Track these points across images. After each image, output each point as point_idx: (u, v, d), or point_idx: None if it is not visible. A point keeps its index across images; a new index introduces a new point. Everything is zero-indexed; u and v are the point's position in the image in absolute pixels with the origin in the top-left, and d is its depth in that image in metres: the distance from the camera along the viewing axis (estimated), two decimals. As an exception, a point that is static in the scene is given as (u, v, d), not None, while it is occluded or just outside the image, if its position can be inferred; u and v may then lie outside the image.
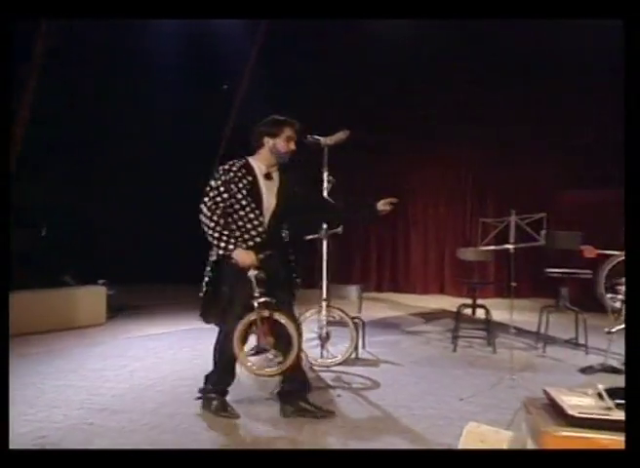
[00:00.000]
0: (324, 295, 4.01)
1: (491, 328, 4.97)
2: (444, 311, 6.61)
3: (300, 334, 3.12)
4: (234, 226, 3.13)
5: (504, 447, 2.08)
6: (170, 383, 3.88)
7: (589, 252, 4.10)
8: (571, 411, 1.99)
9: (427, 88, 7.71)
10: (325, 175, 3.96)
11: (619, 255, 3.91)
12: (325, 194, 3.92)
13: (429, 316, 6.51)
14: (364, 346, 4.73)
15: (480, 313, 5.15)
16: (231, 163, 3.19)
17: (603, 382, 2.72)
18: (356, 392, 3.76)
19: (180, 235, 8.21)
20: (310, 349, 4.43)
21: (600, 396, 2.07)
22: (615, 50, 6.70)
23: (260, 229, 3.14)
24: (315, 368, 4.01)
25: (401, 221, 8.23)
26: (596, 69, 6.91)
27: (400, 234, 8.24)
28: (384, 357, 4.60)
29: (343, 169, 4.09)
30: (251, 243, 3.11)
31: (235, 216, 3.13)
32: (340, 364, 4.18)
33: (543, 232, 5.12)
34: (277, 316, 3.00)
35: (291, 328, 3.01)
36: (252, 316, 2.99)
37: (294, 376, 3.22)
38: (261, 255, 3.05)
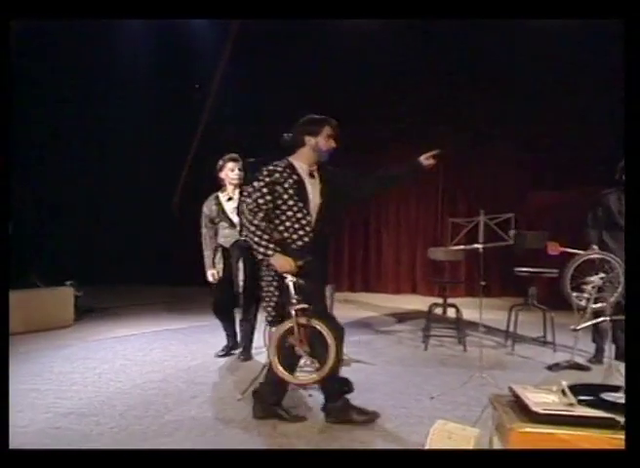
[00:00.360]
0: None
1: (461, 326, 5.03)
2: (416, 311, 6.66)
3: (339, 342, 3.02)
4: (282, 228, 3.08)
5: (471, 443, 2.10)
6: (139, 385, 3.83)
7: (554, 248, 4.16)
8: (535, 408, 2.02)
9: (398, 88, 7.77)
10: None
11: (584, 255, 3.99)
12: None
13: (401, 315, 6.55)
14: (336, 346, 4.73)
15: (451, 312, 5.21)
16: (275, 164, 3.15)
17: (569, 379, 2.79)
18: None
19: (150, 236, 8.15)
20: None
21: (563, 393, 2.11)
22: (584, 50, 6.90)
23: (307, 229, 3.09)
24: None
25: (373, 222, 8.27)
26: (565, 71, 7.05)
27: (372, 234, 8.28)
28: (357, 356, 4.60)
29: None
30: (300, 243, 3.07)
31: (283, 217, 3.08)
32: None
33: (513, 232, 5.21)
34: (314, 323, 2.91)
35: (328, 335, 2.89)
36: (289, 323, 2.93)
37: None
38: (300, 262, 2.99)
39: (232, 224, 4.35)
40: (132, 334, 5.41)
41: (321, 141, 3.19)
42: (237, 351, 4.55)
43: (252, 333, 4.46)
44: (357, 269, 8.29)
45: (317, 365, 2.98)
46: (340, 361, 3.12)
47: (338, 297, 7.04)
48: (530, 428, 1.99)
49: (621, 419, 1.99)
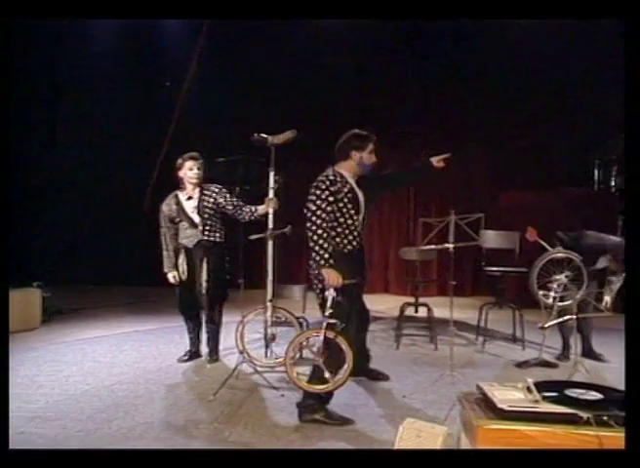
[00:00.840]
0: (269, 296, 3.98)
1: (433, 325, 5.08)
2: (388, 310, 6.69)
3: (354, 355, 3.10)
4: (334, 233, 3.27)
5: (440, 441, 2.12)
6: (108, 387, 3.77)
7: (532, 234, 4.23)
8: (501, 405, 2.05)
9: (369, 89, 7.80)
10: (272, 174, 3.93)
11: (548, 254, 4.06)
12: (271, 193, 3.89)
13: (374, 315, 6.56)
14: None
15: (423, 311, 5.25)
16: (326, 174, 3.33)
17: (538, 376, 2.84)
18: (300, 391, 3.75)
19: (120, 236, 8.02)
20: (254, 350, 4.41)
21: (529, 390, 2.14)
22: (556, 51, 7.03)
23: (355, 233, 3.34)
24: (259, 368, 3.98)
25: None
26: (536, 71, 7.17)
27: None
28: (329, 356, 4.61)
29: (289, 168, 4.07)
30: (350, 247, 3.32)
31: (336, 224, 3.28)
32: (284, 364, 4.15)
33: (485, 232, 5.28)
34: (339, 340, 3.04)
35: (348, 355, 3.05)
36: (313, 332, 3.14)
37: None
38: (348, 281, 3.14)
39: (193, 224, 4.25)
40: (101, 336, 5.32)
41: (365, 156, 3.42)
42: (203, 355, 4.48)
43: (218, 334, 4.41)
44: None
45: (329, 374, 3.09)
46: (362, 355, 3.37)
47: (311, 296, 7.05)
48: (496, 425, 2.02)
49: (585, 415, 2.03)
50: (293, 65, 7.53)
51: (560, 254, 4.07)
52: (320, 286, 3.27)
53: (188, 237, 4.27)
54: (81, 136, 8.20)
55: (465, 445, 2.23)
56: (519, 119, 7.43)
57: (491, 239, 5.40)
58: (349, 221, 3.32)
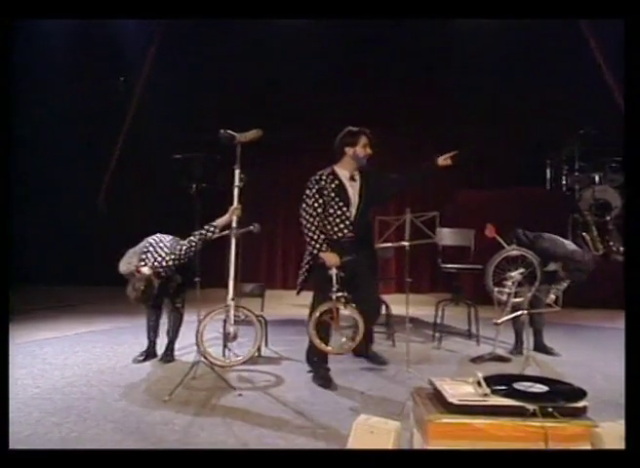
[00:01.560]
0: (231, 294, 3.95)
1: (391, 322, 5.13)
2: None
3: (367, 323, 3.68)
4: (326, 222, 3.81)
5: (392, 437, 2.15)
6: (60, 390, 3.67)
7: (490, 231, 4.35)
8: (451, 399, 2.09)
9: (327, 90, 7.83)
10: (237, 172, 3.91)
11: (503, 252, 4.16)
12: (236, 192, 3.92)
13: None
14: (267, 344, 4.72)
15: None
16: (320, 173, 3.90)
17: (491, 370, 2.90)
18: (258, 390, 3.75)
19: (72, 235, 7.80)
20: (212, 349, 4.36)
21: (479, 384, 2.19)
22: (511, 52, 7.19)
23: (347, 222, 3.83)
24: (217, 368, 3.94)
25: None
26: (491, 72, 7.33)
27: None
28: (288, 354, 4.62)
29: (253, 166, 4.05)
30: (340, 234, 3.82)
31: (326, 213, 3.81)
32: (243, 363, 4.13)
33: (441, 230, 5.37)
34: (349, 308, 3.58)
35: (359, 319, 3.57)
36: (325, 306, 3.60)
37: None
38: (344, 259, 3.71)
39: None
40: (53, 337, 5.17)
41: (358, 150, 3.87)
42: (159, 355, 4.42)
43: (179, 324, 4.35)
44: (291, 266, 8.28)
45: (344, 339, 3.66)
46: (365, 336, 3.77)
47: (271, 295, 7.03)
48: (446, 419, 2.06)
49: (531, 407, 2.09)
50: (252, 63, 7.49)
51: (515, 252, 4.17)
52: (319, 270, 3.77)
53: None
54: (33, 135, 7.95)
55: (418, 439, 2.26)
56: (473, 119, 7.57)
57: (446, 237, 5.49)
58: (339, 212, 3.81)
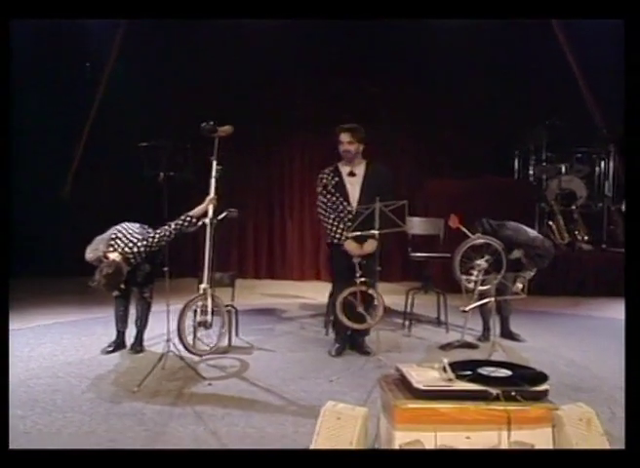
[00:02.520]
0: (204, 284, 3.92)
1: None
2: (319, 297, 6.75)
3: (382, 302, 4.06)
4: (333, 216, 4.14)
5: (359, 423, 2.18)
6: (24, 383, 3.60)
7: (454, 221, 4.43)
8: (417, 385, 2.13)
9: (296, 82, 7.80)
10: (214, 163, 3.91)
11: (469, 241, 4.23)
12: (213, 182, 3.95)
13: (305, 302, 6.62)
14: (237, 334, 4.71)
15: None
16: (324, 170, 4.28)
17: (459, 357, 2.96)
18: (228, 380, 3.74)
19: (38, 225, 7.61)
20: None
21: (444, 369, 2.23)
22: (479, 46, 7.24)
23: (350, 216, 4.09)
24: (186, 357, 3.91)
25: (278, 208, 8.26)
26: (460, 64, 7.38)
27: (277, 221, 8.26)
28: (258, 344, 4.61)
29: (223, 154, 4.03)
30: (342, 225, 4.11)
31: (334, 207, 4.16)
32: (212, 352, 4.12)
33: (411, 219, 5.42)
34: (371, 291, 4.00)
35: (378, 299, 4.01)
36: (351, 289, 3.94)
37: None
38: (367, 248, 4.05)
39: None
40: (18, 329, 5.04)
41: (340, 148, 4.21)
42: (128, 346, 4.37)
43: (147, 314, 4.30)
44: (262, 256, 8.24)
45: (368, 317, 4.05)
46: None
47: (243, 284, 7.01)
48: (412, 404, 2.09)
49: (494, 391, 2.14)
50: (216, 57, 7.40)
51: (480, 240, 4.24)
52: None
53: None
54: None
55: (384, 425, 2.29)
56: (443, 110, 7.64)
57: (416, 225, 5.54)
58: (341, 207, 4.14)
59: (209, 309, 3.85)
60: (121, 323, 4.37)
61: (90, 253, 4.03)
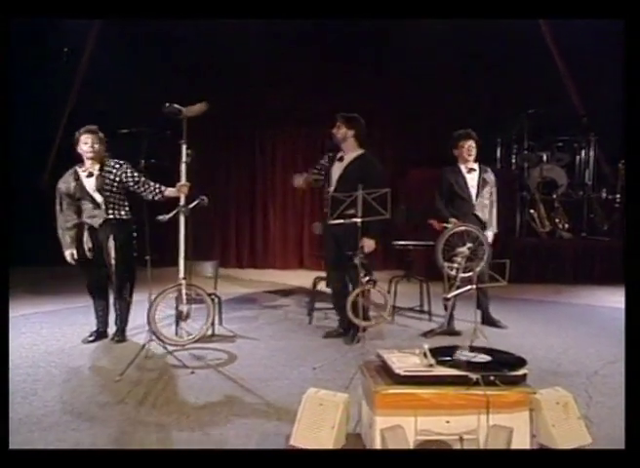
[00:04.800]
0: (181, 273, 3.89)
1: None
2: (302, 285, 6.76)
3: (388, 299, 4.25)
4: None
5: (341, 409, 2.19)
6: (4, 373, 3.56)
7: (436, 224, 4.51)
8: (397, 370, 2.14)
9: (279, 70, 7.75)
10: (184, 148, 3.81)
11: (451, 229, 4.26)
12: (184, 168, 3.85)
13: (288, 290, 6.63)
14: (220, 323, 4.70)
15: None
16: (329, 153, 4.47)
17: (441, 344, 2.98)
18: (211, 368, 3.74)
19: (18, 214, 7.48)
20: (165, 328, 4.31)
21: (425, 355, 2.25)
22: (460, 35, 7.25)
23: (327, 197, 4.15)
24: (169, 347, 3.90)
25: (260, 197, 8.24)
26: (442, 53, 7.39)
27: (259, 210, 8.26)
28: (241, 333, 4.61)
29: (204, 142, 3.98)
30: (325, 209, 4.16)
31: (322, 188, 4.41)
32: (195, 341, 4.11)
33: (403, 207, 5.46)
34: (377, 288, 4.10)
35: (385, 295, 4.18)
36: (360, 289, 3.90)
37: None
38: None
39: (96, 203, 4.07)
40: (-3, 319, 5.01)
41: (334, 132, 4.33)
42: (109, 336, 4.34)
43: (127, 313, 4.29)
44: (245, 245, 8.24)
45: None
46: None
47: (225, 273, 7.00)
48: (392, 389, 2.11)
49: (474, 376, 2.17)
50: (201, 36, 7.31)
51: (462, 228, 4.27)
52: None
53: (93, 217, 4.09)
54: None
55: (366, 411, 2.31)
56: (425, 99, 7.65)
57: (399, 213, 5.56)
58: (325, 190, 4.32)
59: (183, 299, 3.83)
60: (101, 323, 4.35)
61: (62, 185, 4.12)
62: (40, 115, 7.32)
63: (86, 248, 4.13)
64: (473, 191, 4.75)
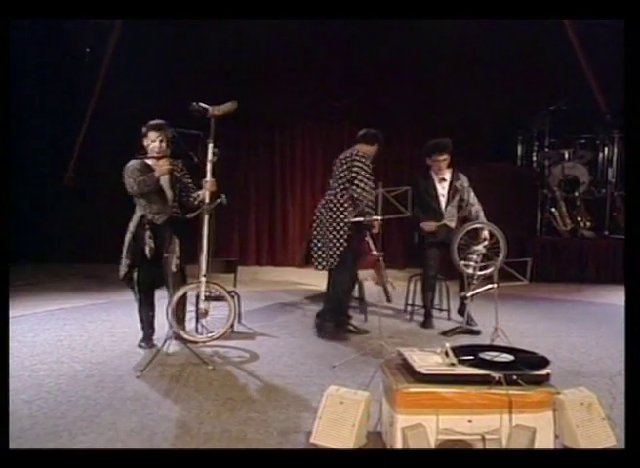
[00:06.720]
0: (203, 271, 3.92)
1: (364, 297, 5.18)
2: (320, 283, 6.75)
3: None
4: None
5: (362, 407, 2.19)
6: (29, 368, 3.62)
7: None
8: (419, 369, 2.13)
9: (306, 63, 7.76)
10: (210, 146, 3.81)
11: (466, 227, 4.24)
12: (209, 166, 3.85)
13: (307, 288, 6.64)
14: (240, 320, 4.73)
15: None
16: None
17: (462, 343, 2.96)
18: (231, 365, 3.77)
19: (42, 212, 7.61)
20: (186, 324, 4.34)
21: (446, 354, 2.24)
22: (480, 31, 7.18)
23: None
24: (190, 344, 3.93)
25: (279, 195, 8.26)
26: (460, 50, 7.34)
27: (279, 207, 8.27)
28: (261, 330, 4.64)
29: (227, 140, 3.98)
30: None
31: None
32: (216, 339, 4.13)
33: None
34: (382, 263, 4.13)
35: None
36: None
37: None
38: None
39: (164, 200, 3.96)
40: (22, 315, 5.08)
41: None
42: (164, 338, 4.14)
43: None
44: (264, 242, 8.26)
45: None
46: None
47: (245, 271, 7.02)
48: (414, 388, 2.10)
49: (496, 375, 2.15)
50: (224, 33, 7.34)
51: (478, 225, 4.25)
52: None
53: (157, 213, 3.95)
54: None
55: (386, 409, 2.31)
56: (445, 95, 7.59)
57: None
58: None
59: (202, 297, 3.84)
60: (152, 327, 4.17)
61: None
62: (63, 114, 7.43)
63: (147, 246, 3.93)
64: (443, 200, 4.81)
